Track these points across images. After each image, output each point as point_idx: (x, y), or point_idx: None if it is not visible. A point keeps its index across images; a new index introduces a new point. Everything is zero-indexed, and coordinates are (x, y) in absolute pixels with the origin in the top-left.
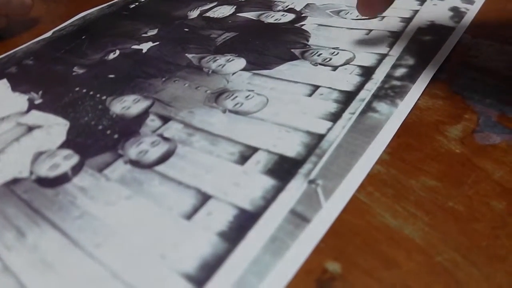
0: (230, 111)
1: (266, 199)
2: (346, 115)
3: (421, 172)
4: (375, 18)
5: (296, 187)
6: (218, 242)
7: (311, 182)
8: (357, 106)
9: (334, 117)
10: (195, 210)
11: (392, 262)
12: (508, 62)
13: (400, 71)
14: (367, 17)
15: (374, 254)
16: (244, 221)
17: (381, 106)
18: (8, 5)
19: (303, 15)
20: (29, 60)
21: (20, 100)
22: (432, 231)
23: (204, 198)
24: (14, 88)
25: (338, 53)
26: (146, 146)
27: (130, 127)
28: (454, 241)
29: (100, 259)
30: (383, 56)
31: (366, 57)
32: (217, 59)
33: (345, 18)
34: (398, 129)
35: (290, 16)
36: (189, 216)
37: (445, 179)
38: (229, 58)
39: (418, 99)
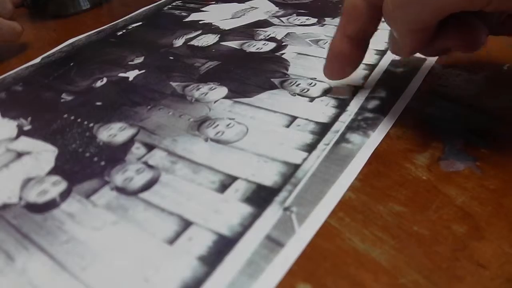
0: (212, 139)
1: (243, 225)
2: (321, 146)
3: (389, 198)
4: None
5: (272, 214)
6: (198, 266)
7: (286, 209)
8: (331, 137)
9: (310, 148)
10: (177, 235)
11: (359, 284)
12: (474, 91)
13: (373, 104)
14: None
15: (343, 277)
16: (223, 246)
17: (354, 137)
18: None
19: (283, 43)
20: (18, 86)
21: (10, 126)
22: (398, 254)
23: (186, 224)
24: (4, 114)
25: (315, 84)
26: (131, 174)
27: (116, 155)
28: (417, 263)
29: (86, 282)
30: (357, 89)
31: (342, 89)
32: (200, 88)
33: (323, 48)
34: (370, 157)
35: (271, 45)
36: (171, 241)
37: (411, 204)
38: (212, 87)
39: (389, 129)
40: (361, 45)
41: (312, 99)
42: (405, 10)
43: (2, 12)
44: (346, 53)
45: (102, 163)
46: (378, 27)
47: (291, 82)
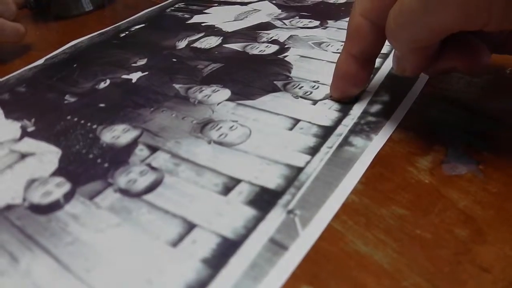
0: (215, 142)
1: (247, 228)
2: (324, 149)
3: (392, 201)
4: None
5: (275, 217)
6: (202, 269)
7: (289, 212)
8: (334, 140)
9: (313, 151)
10: (181, 238)
11: (362, 287)
12: (476, 95)
13: (375, 107)
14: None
15: (346, 279)
16: (226, 249)
17: (357, 141)
18: (1, 32)
19: (286, 46)
20: (22, 87)
21: (13, 127)
22: (400, 257)
23: (190, 226)
24: (7, 115)
25: (318, 86)
26: (134, 175)
27: (120, 156)
28: (419, 266)
29: (91, 284)
30: (360, 92)
31: None
32: (203, 90)
33: (326, 51)
34: (372, 160)
35: (274, 48)
36: (175, 243)
37: (414, 208)
38: (215, 89)
39: (392, 132)
40: (367, 65)
41: (315, 102)
42: (407, 30)
43: (6, 14)
44: (352, 73)
45: (106, 164)
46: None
47: (294, 85)
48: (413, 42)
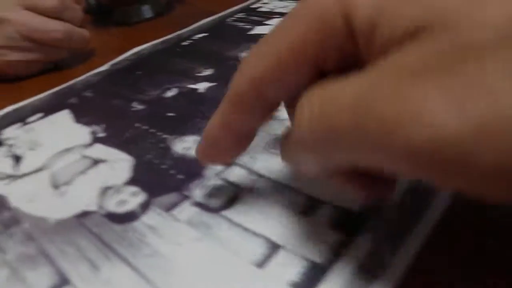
0: None
1: (334, 252)
2: None
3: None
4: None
5: (362, 242)
6: None
7: (375, 238)
8: None
9: None
10: (266, 258)
11: None
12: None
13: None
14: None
15: None
16: (315, 273)
17: None
18: (70, 38)
19: None
20: (88, 92)
21: (84, 132)
22: None
23: (273, 246)
24: (77, 119)
25: None
26: (211, 190)
27: (194, 168)
28: None
29: None
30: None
31: None
32: None
33: None
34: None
35: None
36: (260, 264)
37: None
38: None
39: None
40: (244, 138)
41: None
42: (340, 148)
43: (74, 20)
44: (224, 144)
45: (180, 176)
46: None
47: None
48: (336, 164)
